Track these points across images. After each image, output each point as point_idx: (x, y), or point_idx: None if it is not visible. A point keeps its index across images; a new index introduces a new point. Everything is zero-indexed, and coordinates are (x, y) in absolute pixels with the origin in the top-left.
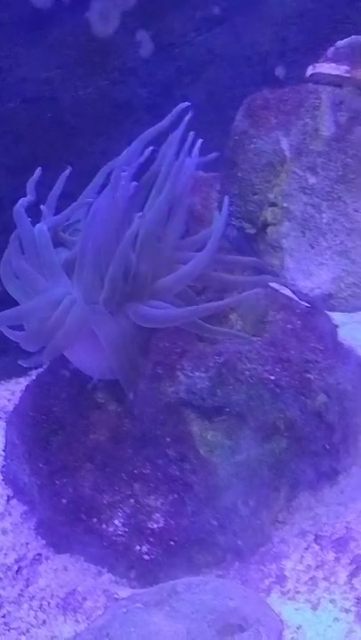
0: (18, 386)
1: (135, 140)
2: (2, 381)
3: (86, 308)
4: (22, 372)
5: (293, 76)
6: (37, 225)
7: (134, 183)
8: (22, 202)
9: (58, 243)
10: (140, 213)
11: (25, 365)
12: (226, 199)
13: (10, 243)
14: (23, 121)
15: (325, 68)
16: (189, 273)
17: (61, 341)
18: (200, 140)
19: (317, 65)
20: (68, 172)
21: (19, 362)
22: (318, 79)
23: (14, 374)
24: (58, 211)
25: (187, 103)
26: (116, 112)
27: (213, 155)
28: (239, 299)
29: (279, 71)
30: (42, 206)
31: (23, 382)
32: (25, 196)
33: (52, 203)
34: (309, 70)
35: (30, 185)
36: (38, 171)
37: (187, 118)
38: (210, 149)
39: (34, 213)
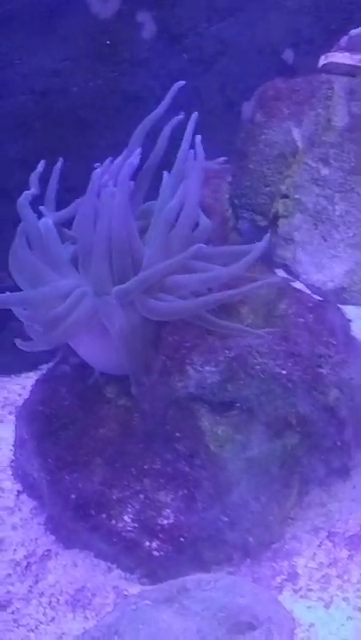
0: (28, 380)
1: (136, 131)
2: (12, 376)
3: (97, 299)
4: (33, 366)
5: (307, 67)
6: (42, 219)
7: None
8: (26, 195)
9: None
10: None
11: (21, 347)
12: (267, 236)
13: (17, 234)
14: (33, 113)
15: (338, 57)
16: (207, 280)
17: (68, 330)
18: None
19: (330, 54)
20: (59, 164)
21: (14, 341)
22: (331, 69)
23: (25, 369)
24: (60, 204)
25: (182, 82)
26: (126, 104)
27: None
28: (249, 288)
29: (287, 55)
30: (41, 207)
31: (33, 377)
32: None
33: (50, 198)
34: (322, 60)
35: (34, 178)
36: (42, 163)
37: (194, 116)
38: (221, 141)
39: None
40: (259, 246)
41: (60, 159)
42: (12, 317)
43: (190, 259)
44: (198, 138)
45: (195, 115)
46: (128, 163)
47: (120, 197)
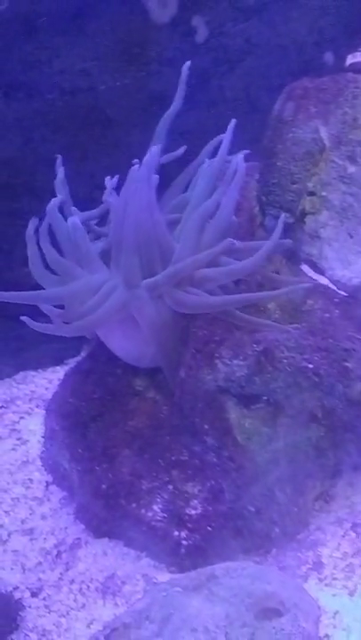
0: (55, 374)
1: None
2: (39, 370)
3: (128, 292)
4: (59, 361)
5: (331, 65)
6: (70, 219)
7: (156, 176)
8: (55, 201)
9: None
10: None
11: (34, 327)
12: (282, 217)
13: (33, 238)
14: (61, 112)
15: None
16: (232, 273)
17: (93, 321)
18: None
19: (358, 54)
20: (61, 172)
21: (21, 317)
22: (358, 68)
23: (51, 363)
24: (88, 202)
25: (187, 63)
26: (153, 103)
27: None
28: (278, 294)
29: (328, 57)
30: (73, 208)
31: (60, 371)
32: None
33: (68, 201)
34: (349, 59)
35: (59, 184)
36: (61, 171)
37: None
38: (246, 139)
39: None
40: (274, 236)
41: (62, 168)
42: (38, 313)
43: (220, 254)
44: (243, 153)
45: (233, 122)
46: (150, 155)
47: (144, 190)
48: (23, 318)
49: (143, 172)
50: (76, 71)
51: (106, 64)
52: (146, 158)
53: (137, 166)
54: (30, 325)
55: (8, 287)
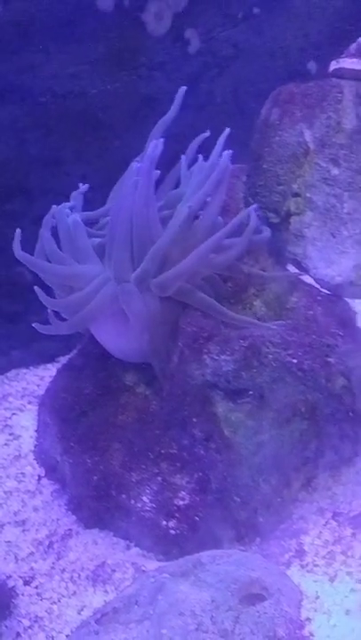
0: (47, 372)
1: (151, 134)
2: (31, 367)
3: (118, 286)
4: (51, 358)
5: (316, 71)
6: (71, 216)
7: (157, 171)
8: (64, 206)
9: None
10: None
11: (40, 330)
12: (252, 208)
13: (42, 232)
14: (53, 115)
15: (348, 63)
16: (217, 263)
17: (87, 315)
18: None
19: (341, 60)
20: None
21: (33, 325)
22: (341, 74)
23: (43, 361)
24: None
25: (185, 87)
26: (143, 106)
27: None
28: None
29: (311, 65)
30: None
31: (52, 368)
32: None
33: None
34: (333, 65)
35: (77, 195)
36: (85, 187)
37: (225, 133)
38: (234, 142)
39: None
40: (249, 211)
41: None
42: (30, 311)
43: (211, 250)
44: (228, 154)
45: (227, 130)
46: (150, 152)
47: (143, 184)
48: (35, 325)
49: (144, 166)
50: (67, 75)
51: (97, 68)
52: (148, 152)
53: (136, 163)
54: (39, 330)
55: (3, 286)
